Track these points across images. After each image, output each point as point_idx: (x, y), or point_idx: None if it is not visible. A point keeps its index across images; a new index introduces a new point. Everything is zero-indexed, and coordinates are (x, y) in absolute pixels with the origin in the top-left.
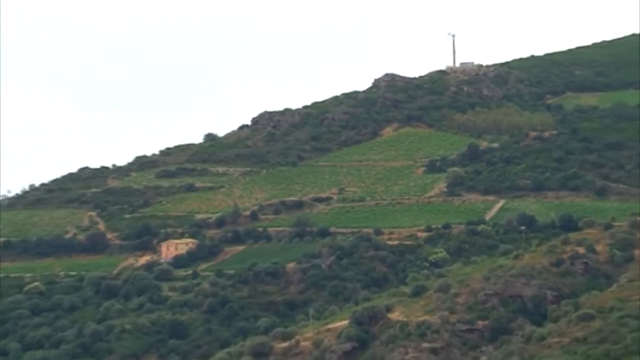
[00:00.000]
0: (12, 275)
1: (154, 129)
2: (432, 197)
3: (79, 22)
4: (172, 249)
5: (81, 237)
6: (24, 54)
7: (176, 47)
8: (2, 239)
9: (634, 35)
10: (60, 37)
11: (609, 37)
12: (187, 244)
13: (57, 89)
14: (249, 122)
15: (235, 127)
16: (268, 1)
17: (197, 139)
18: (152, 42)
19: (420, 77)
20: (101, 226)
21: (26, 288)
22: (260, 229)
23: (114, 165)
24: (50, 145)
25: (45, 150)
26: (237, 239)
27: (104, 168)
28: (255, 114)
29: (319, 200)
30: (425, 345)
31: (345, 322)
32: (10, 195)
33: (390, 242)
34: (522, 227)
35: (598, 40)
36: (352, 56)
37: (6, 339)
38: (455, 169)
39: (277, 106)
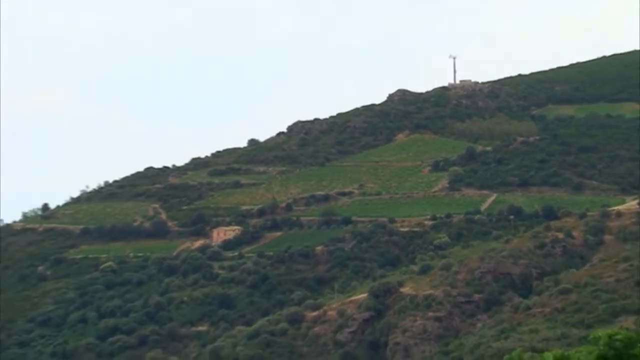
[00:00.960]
0: (90, 256)
1: (206, 136)
2: (436, 191)
3: (146, 50)
4: (221, 234)
5: (147, 224)
6: (105, 76)
7: (225, 68)
8: (81, 226)
9: (604, 57)
10: (139, 66)
11: (583, 59)
12: (233, 230)
13: (126, 104)
14: (285, 130)
15: (273, 134)
16: (303, 33)
17: (242, 143)
18: (204, 65)
19: (427, 92)
20: (163, 216)
21: (101, 267)
22: (294, 218)
23: (173, 166)
24: (121, 149)
25: (117, 153)
26: (275, 226)
27: (166, 168)
28: (290, 123)
29: (343, 194)
30: (430, 314)
31: (365, 295)
32: (89, 190)
33: (401, 229)
34: (511, 217)
35: (574, 61)
36: (370, 75)
37: (85, 309)
38: (456, 168)
39: (308, 116)
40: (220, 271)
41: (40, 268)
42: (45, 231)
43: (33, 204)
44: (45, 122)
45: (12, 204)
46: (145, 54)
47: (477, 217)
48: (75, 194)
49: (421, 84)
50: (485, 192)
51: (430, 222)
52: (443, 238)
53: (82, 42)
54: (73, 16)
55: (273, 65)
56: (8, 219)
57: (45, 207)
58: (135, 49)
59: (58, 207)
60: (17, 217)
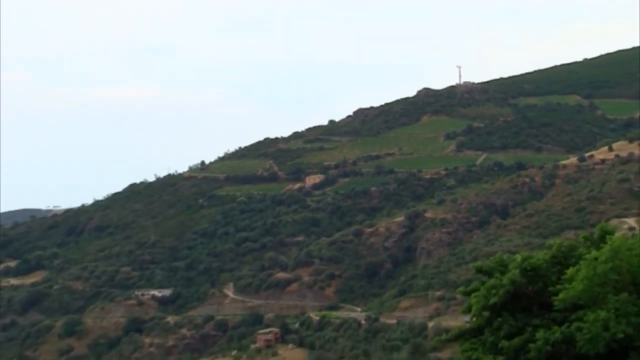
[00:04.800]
0: (230, 193)
1: (302, 117)
2: (447, 152)
3: (258, 58)
4: (311, 180)
5: (265, 173)
6: (234, 72)
7: (316, 74)
8: (225, 175)
9: (556, 65)
10: (252, 69)
11: (542, 67)
12: (319, 178)
13: (254, 97)
14: (351, 113)
15: (344, 116)
16: (364, 53)
17: (324, 122)
18: (304, 72)
19: (442, 89)
20: (275, 168)
21: (237, 200)
22: (357, 170)
23: (281, 136)
24: (249, 126)
25: (247, 128)
26: (345, 175)
27: (277, 138)
28: (355, 109)
29: (389, 154)
30: (444, 230)
31: (402, 218)
32: (230, 152)
33: (426, 176)
34: (495, 168)
35: (537, 69)
36: (406, 78)
37: (227, 226)
38: (460, 137)
39: (367, 105)
40: (311, 203)
41: (200, 201)
42: (203, 178)
43: (195, 160)
44: (203, 110)
45: (182, 161)
46: (263, 69)
47: (473, 168)
48: (221, 154)
49: (438, 84)
50: (479, 152)
51: (444, 172)
52: (452, 182)
53: (223, 56)
54: (216, 40)
55: (345, 73)
56: (180, 170)
57: (203, 162)
58: (257, 63)
59: (211, 162)
60: (185, 169)
